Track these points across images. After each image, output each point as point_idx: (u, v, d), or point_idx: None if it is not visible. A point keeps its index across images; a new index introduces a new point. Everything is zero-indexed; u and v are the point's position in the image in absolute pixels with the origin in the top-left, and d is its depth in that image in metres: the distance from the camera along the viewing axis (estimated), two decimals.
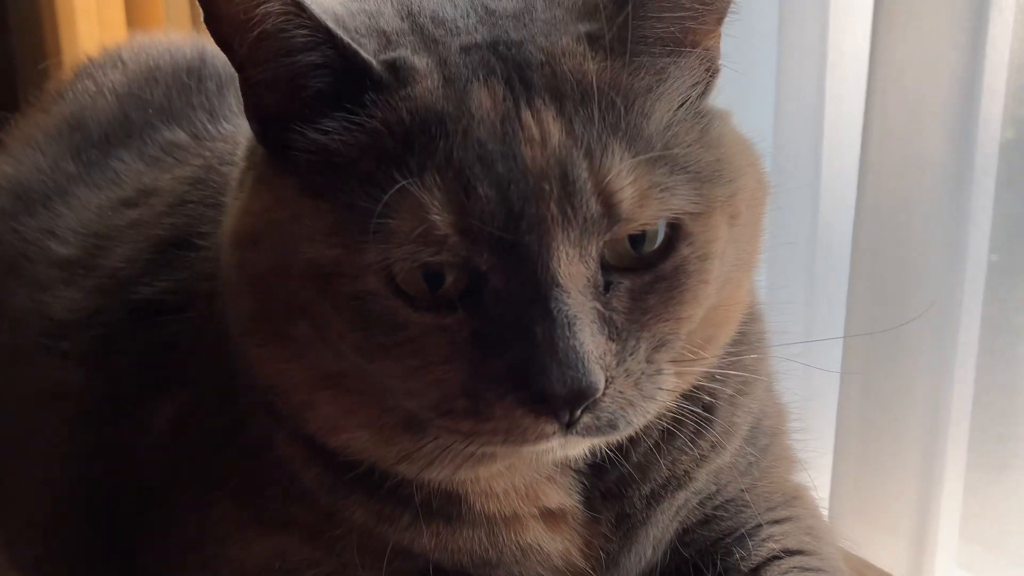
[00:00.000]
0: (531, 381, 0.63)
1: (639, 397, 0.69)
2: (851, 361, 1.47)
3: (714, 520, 0.87)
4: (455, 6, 0.73)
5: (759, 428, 0.89)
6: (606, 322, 0.67)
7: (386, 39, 0.69)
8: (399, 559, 0.78)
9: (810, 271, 1.55)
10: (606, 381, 0.65)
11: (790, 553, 0.87)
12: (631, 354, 0.67)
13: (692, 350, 0.73)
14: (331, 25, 0.66)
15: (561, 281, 0.64)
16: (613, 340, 0.67)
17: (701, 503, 0.87)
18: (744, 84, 1.57)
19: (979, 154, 1.30)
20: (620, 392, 0.67)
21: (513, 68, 0.68)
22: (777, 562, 0.86)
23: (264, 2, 0.63)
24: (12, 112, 1.23)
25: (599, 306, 0.66)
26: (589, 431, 0.68)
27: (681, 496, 0.84)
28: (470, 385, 0.66)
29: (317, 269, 0.66)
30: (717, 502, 0.87)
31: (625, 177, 0.66)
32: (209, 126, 1.03)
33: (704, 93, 0.74)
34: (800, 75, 1.48)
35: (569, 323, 0.63)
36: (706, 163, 0.70)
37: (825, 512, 1.52)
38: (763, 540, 0.86)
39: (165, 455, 0.85)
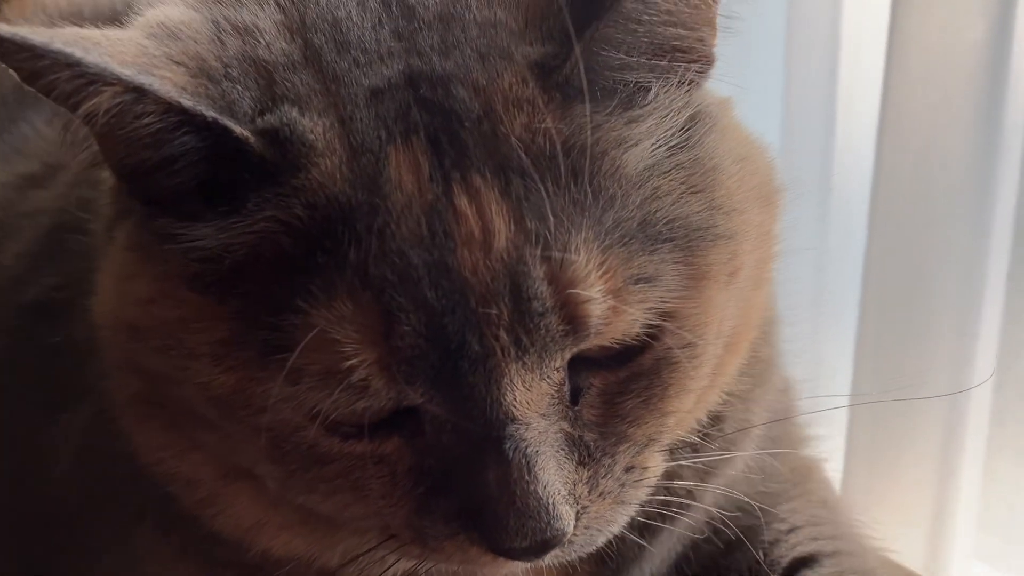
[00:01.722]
0: (484, 534, 0.54)
1: (618, 509, 0.59)
2: (865, 348, 1.44)
3: (720, 532, 0.76)
4: (363, 7, 0.56)
5: (779, 443, 0.79)
6: (575, 445, 0.55)
7: (269, 82, 0.53)
8: None
9: (821, 265, 1.51)
10: (576, 515, 0.55)
11: (801, 525, 0.79)
12: (606, 475, 0.56)
13: (686, 413, 0.62)
14: (185, 101, 0.50)
15: (517, 414, 0.52)
16: (584, 465, 0.56)
17: (708, 520, 0.76)
18: (751, 74, 1.53)
19: (1004, 147, 1.26)
20: (595, 518, 0.56)
21: (440, 123, 0.52)
22: (789, 535, 0.78)
23: (90, 97, 0.50)
24: None
25: (566, 426, 0.55)
26: (562, 556, 0.59)
27: (681, 524, 0.72)
28: (414, 522, 0.56)
29: (213, 393, 0.54)
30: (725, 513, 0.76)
31: (595, 279, 0.51)
32: None
33: (692, 102, 0.59)
34: (811, 56, 1.42)
35: (528, 463, 0.52)
36: (697, 216, 0.56)
37: None
38: (780, 555, 0.78)
39: (77, 482, 0.74)
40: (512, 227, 0.50)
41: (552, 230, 0.51)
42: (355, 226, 0.50)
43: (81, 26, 0.53)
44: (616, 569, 0.71)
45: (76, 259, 0.72)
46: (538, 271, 0.51)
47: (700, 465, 0.67)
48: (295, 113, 0.52)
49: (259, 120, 0.52)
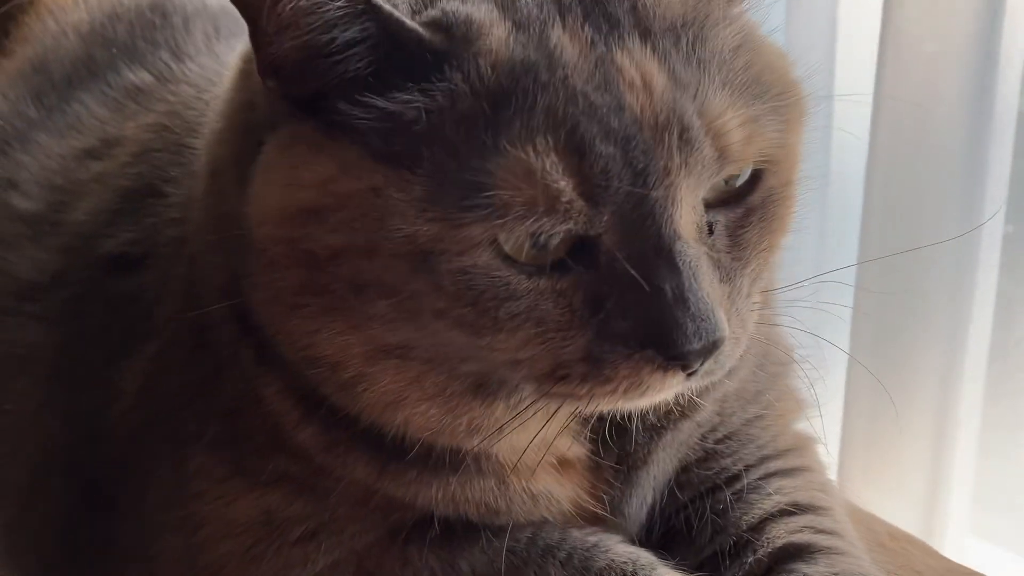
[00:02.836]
0: (666, 339, 0.60)
1: (743, 334, 0.68)
2: (862, 322, 1.48)
3: (713, 457, 0.83)
4: None
5: (769, 356, 0.84)
6: (717, 266, 0.65)
7: None
8: (398, 512, 0.75)
9: (821, 230, 1.54)
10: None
11: (801, 509, 0.82)
12: (739, 293, 0.66)
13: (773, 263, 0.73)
14: None
15: (683, 232, 0.61)
16: (724, 283, 0.65)
17: (703, 437, 0.82)
18: None
19: (996, 124, 1.30)
20: (734, 333, 0.65)
21: (590, 4, 0.62)
22: (786, 518, 0.81)
23: None
24: None
25: (708, 250, 0.64)
26: (703, 378, 0.67)
27: (685, 428, 0.79)
28: (593, 348, 0.62)
29: (412, 247, 0.60)
30: (719, 435, 0.83)
31: (732, 117, 0.62)
32: (173, 66, 0.94)
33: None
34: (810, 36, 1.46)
35: (695, 275, 0.61)
36: (774, 83, 0.66)
37: (834, 474, 1.54)
38: (770, 493, 0.82)
39: (136, 416, 0.80)
40: (665, 77, 0.61)
41: (694, 79, 0.62)
42: (539, 78, 0.59)
43: None
44: (631, 469, 0.78)
45: (152, 218, 0.80)
46: (691, 108, 0.61)
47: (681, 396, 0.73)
48: (455, 4, 0.61)
49: (421, 16, 0.61)
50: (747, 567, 0.78)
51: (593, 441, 0.77)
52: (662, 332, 0.61)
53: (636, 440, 0.76)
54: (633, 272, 0.60)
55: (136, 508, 0.79)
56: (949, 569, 1.00)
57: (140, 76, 0.94)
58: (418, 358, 0.65)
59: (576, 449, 0.76)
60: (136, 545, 0.79)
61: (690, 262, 0.61)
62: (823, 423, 0.89)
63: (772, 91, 0.65)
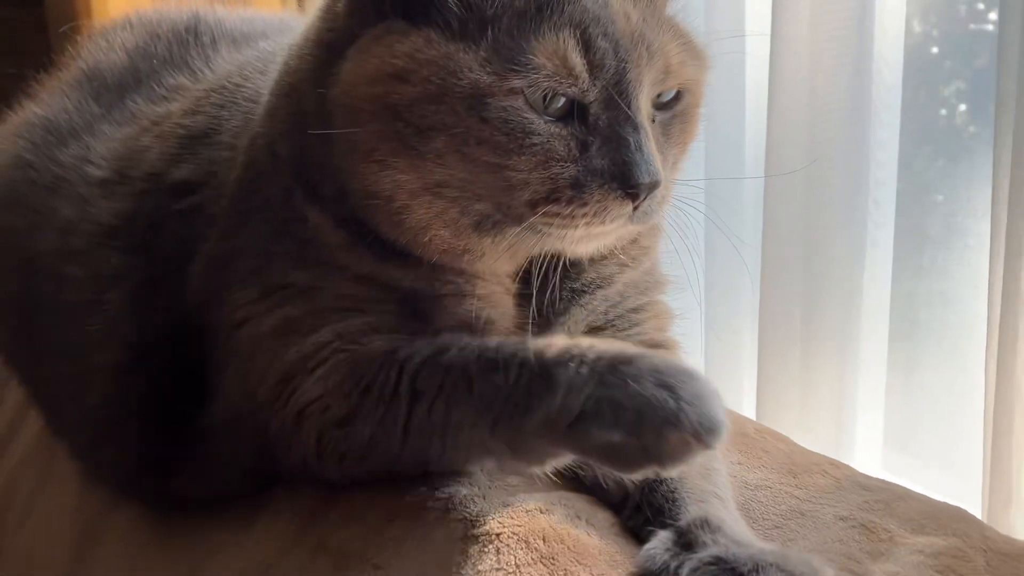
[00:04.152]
0: (627, 173, 0.88)
1: (667, 196, 0.94)
2: (770, 267, 1.57)
3: (609, 329, 1.05)
4: None
5: (654, 271, 1.11)
6: (656, 139, 0.93)
7: None
8: (384, 293, 0.98)
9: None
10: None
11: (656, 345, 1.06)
12: (666, 164, 0.93)
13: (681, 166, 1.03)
14: None
15: (642, 109, 0.90)
16: (660, 153, 0.92)
17: (606, 311, 1.06)
18: None
19: (882, 65, 1.41)
20: (664, 188, 0.92)
21: None
22: None
23: None
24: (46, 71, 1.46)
25: (653, 131, 0.94)
26: (640, 218, 0.91)
27: (598, 296, 1.04)
28: (580, 176, 0.88)
29: (474, 90, 0.86)
30: (618, 312, 1.06)
31: (674, 50, 0.93)
32: (204, 70, 1.25)
33: None
34: None
35: (646, 135, 0.89)
36: (692, 43, 0.98)
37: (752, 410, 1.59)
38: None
39: (199, 286, 1.03)
40: (638, 14, 0.92)
41: (653, 23, 0.94)
42: None
43: None
44: (549, 316, 1.02)
45: (205, 152, 1.08)
46: (654, 37, 0.92)
47: (622, 259, 1.04)
48: None
49: None
50: None
51: (526, 294, 1.01)
52: (624, 169, 0.88)
53: (560, 295, 1.00)
54: (605, 127, 0.89)
55: (209, 366, 1.01)
56: (793, 451, 1.09)
57: (178, 79, 1.22)
58: (446, 196, 0.91)
59: (512, 288, 1.01)
60: (212, 388, 1.01)
61: (645, 127, 0.90)
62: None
63: (691, 45, 0.98)
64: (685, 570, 0.79)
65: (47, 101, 1.33)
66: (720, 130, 1.66)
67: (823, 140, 1.47)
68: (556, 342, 0.87)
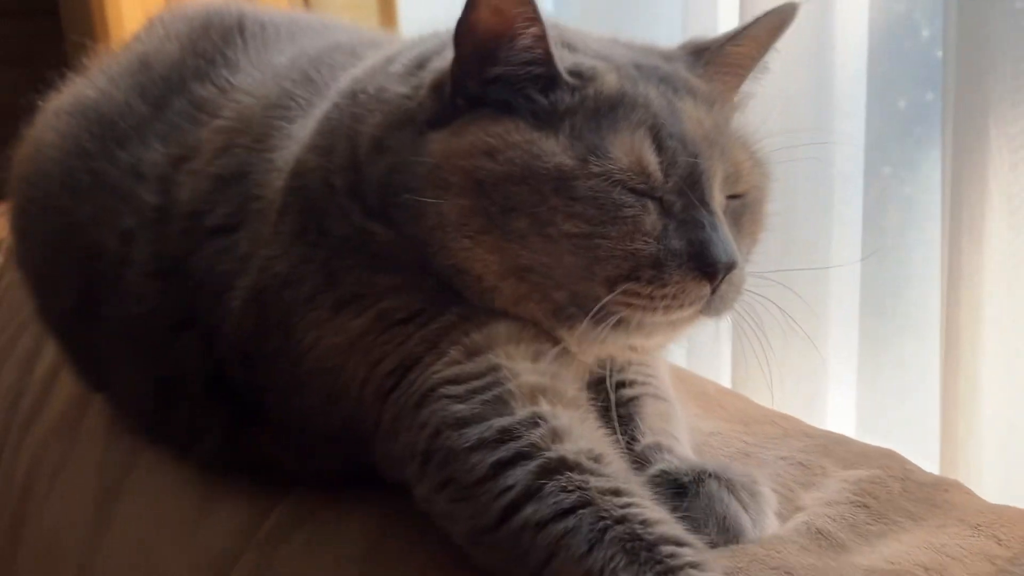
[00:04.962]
0: (704, 253, 0.91)
1: (739, 290, 0.97)
2: None
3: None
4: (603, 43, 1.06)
5: None
6: (732, 228, 0.98)
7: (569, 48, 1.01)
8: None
9: None
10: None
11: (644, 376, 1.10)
12: (740, 251, 0.96)
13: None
14: (554, 50, 0.96)
15: (715, 199, 0.95)
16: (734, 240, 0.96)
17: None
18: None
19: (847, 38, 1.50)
20: (736, 280, 0.95)
21: (662, 75, 1.01)
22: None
23: (528, 26, 0.93)
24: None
25: (728, 219, 0.98)
26: (716, 305, 0.94)
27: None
28: (660, 255, 0.91)
29: (559, 173, 0.91)
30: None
31: (744, 157, 1.00)
32: (235, 79, 1.23)
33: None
34: None
35: (721, 219, 0.94)
36: (759, 155, 1.05)
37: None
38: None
39: (246, 318, 1.05)
40: (711, 120, 0.99)
41: (723, 127, 1.01)
42: (636, 102, 0.96)
43: None
44: None
45: (240, 195, 1.09)
46: (723, 141, 0.99)
47: None
48: (584, 58, 1.00)
49: (565, 62, 0.97)
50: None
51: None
52: (701, 248, 0.91)
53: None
54: (681, 212, 0.93)
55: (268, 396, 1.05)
56: (749, 407, 1.18)
57: (208, 89, 1.22)
58: (529, 280, 0.94)
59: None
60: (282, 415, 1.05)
61: (719, 212, 0.95)
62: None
63: (757, 156, 1.04)
64: None
65: (98, 83, 1.33)
66: None
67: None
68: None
